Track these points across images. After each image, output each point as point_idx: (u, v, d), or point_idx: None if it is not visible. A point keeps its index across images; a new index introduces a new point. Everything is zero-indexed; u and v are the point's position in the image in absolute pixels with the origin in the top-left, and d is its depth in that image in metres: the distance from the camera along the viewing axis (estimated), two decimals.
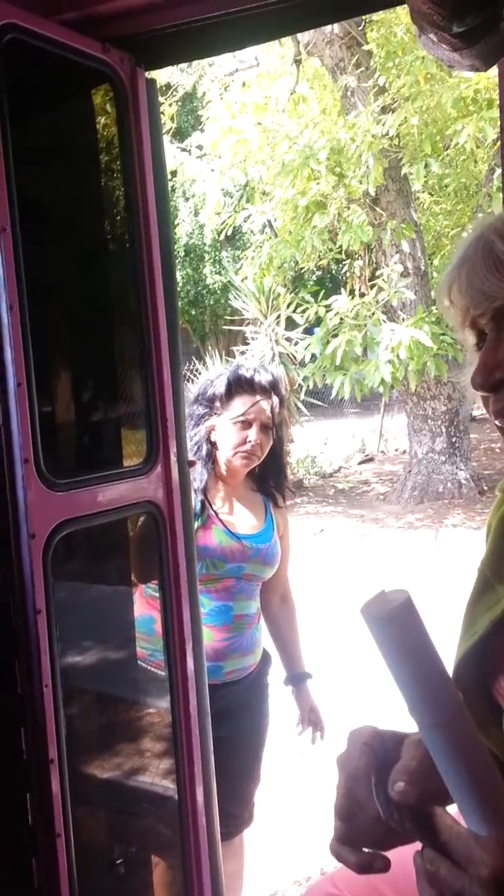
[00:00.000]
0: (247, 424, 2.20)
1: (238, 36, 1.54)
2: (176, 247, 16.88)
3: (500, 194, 7.71)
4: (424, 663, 0.63)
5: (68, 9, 1.47)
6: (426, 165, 7.52)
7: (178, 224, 16.82)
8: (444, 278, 0.84)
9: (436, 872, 0.61)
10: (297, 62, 8.01)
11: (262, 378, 2.25)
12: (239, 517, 2.24)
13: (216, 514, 2.18)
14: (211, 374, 2.37)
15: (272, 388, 2.26)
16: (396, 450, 13.04)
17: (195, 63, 10.68)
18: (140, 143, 1.56)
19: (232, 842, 2.26)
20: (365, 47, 7.82)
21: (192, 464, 1.99)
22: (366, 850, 0.72)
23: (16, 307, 1.32)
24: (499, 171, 8.16)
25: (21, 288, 1.33)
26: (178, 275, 17.08)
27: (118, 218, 1.64)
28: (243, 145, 8.37)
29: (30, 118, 1.45)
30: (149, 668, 2.00)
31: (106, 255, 1.70)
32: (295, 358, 9.85)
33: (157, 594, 1.89)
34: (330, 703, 2.68)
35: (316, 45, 8.03)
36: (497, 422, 0.81)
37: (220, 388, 2.25)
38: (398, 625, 0.63)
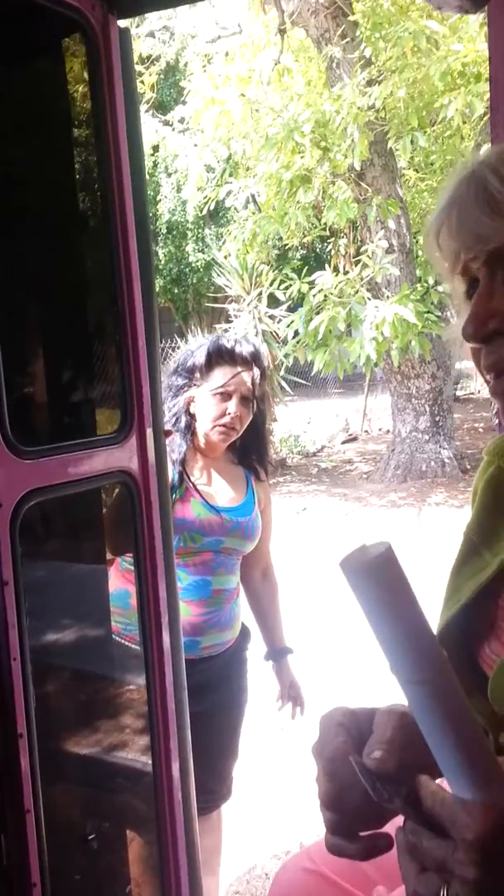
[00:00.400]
0: (226, 396, 2.15)
1: None
2: (158, 224, 16.71)
3: None
4: (407, 616, 0.60)
5: None
6: (412, 140, 7.43)
7: (159, 201, 16.64)
8: (432, 221, 0.78)
9: (417, 843, 0.58)
10: (282, 32, 7.87)
11: (244, 349, 2.19)
12: (218, 490, 2.20)
13: (194, 486, 2.14)
14: (191, 344, 2.31)
15: (253, 359, 2.20)
16: (380, 429, 13.04)
17: (177, 33, 10.50)
18: (112, 97, 1.49)
19: (210, 816, 2.24)
20: (351, 18, 7.69)
21: (168, 433, 1.93)
22: (363, 833, 0.68)
23: None
24: (485, 146, 8.07)
25: None
26: (161, 253, 16.92)
27: (90, 180, 1.57)
28: (226, 117, 8.24)
29: None
30: (124, 642, 1.96)
31: (77, 214, 1.63)
32: (278, 335, 9.79)
33: (133, 567, 1.85)
34: (310, 679, 2.66)
35: (301, 14, 7.90)
36: (488, 377, 0.76)
37: (199, 358, 2.19)
38: (378, 576, 0.59)
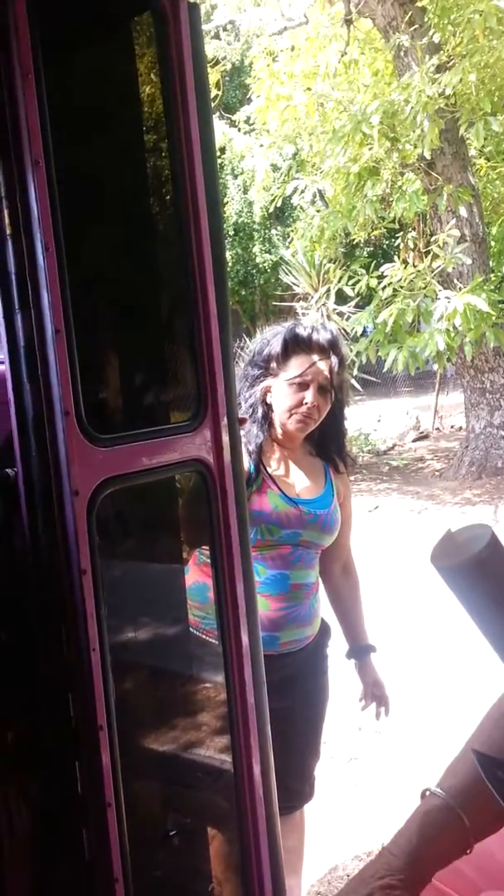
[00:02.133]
0: (304, 386, 2.09)
1: None
2: (225, 226, 16.74)
3: None
4: None
5: None
6: (486, 125, 7.22)
7: (226, 203, 16.70)
8: None
9: None
10: (348, 22, 7.77)
11: (321, 337, 2.13)
12: (296, 481, 2.14)
13: (271, 477, 2.08)
14: (267, 333, 2.25)
15: (331, 347, 2.13)
16: (452, 426, 12.77)
17: (242, 31, 10.49)
18: (182, 72, 1.45)
19: (292, 816, 2.18)
20: (419, 4, 7.54)
21: (242, 421, 1.89)
22: None
23: (52, 247, 1.23)
24: None
25: (57, 227, 1.24)
26: (228, 255, 16.96)
27: (160, 156, 1.54)
28: (292, 112, 8.17)
29: (61, 46, 1.36)
30: (202, 636, 1.93)
31: (148, 197, 1.60)
32: (347, 333, 9.68)
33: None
34: (393, 678, 2.58)
35: (367, 3, 7.78)
36: None
37: (276, 347, 2.14)
38: (486, 571, 0.51)
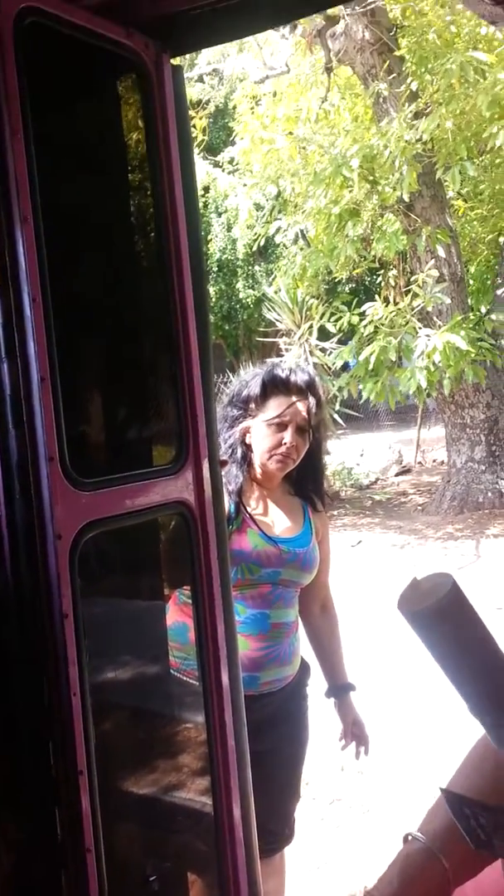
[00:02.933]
0: (282, 426, 2.13)
1: (264, 16, 1.49)
2: (209, 262, 16.93)
3: None
4: (483, 657, 0.55)
5: None
6: (461, 170, 7.41)
7: (210, 240, 16.90)
8: None
9: None
10: (328, 70, 7.97)
11: (299, 378, 2.18)
12: (275, 520, 2.17)
13: (251, 516, 2.11)
14: (246, 375, 2.30)
15: (309, 388, 2.18)
16: (434, 461, 12.86)
17: (225, 76, 10.73)
18: (166, 133, 1.51)
19: (272, 859, 2.17)
20: (397, 53, 7.76)
21: (223, 463, 1.92)
22: None
23: (38, 299, 1.27)
24: None
25: (44, 280, 1.28)
26: (211, 290, 17.13)
27: (143, 208, 1.59)
28: (275, 155, 8.35)
29: (50, 106, 1.41)
30: (182, 677, 1.93)
31: (132, 246, 1.65)
32: (329, 368, 9.77)
33: (191, 601, 1.82)
34: (373, 717, 2.59)
35: (347, 52, 8.00)
36: None
37: (254, 388, 2.18)
38: (447, 618, 0.55)
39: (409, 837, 0.90)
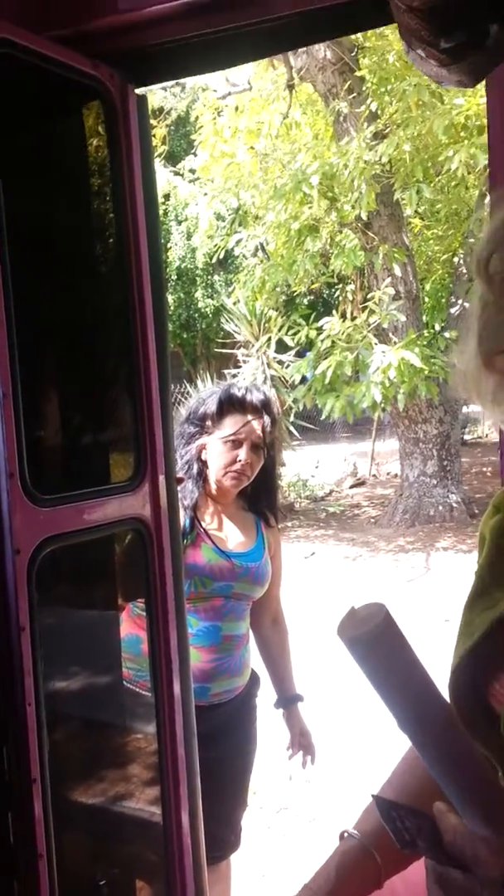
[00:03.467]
0: (237, 444, 2.19)
1: (228, 54, 1.55)
2: (168, 270, 16.93)
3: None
4: (409, 679, 0.62)
5: (59, 25, 1.48)
6: (418, 191, 7.58)
7: (170, 248, 16.90)
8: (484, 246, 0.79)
9: (444, 874, 0.62)
10: (290, 87, 8.09)
11: (254, 397, 2.24)
12: (229, 535, 2.22)
13: (205, 531, 2.16)
14: (203, 393, 2.36)
15: (264, 407, 2.25)
16: (388, 473, 13.04)
17: (188, 87, 10.80)
18: (130, 161, 1.56)
19: (218, 866, 2.22)
20: (357, 73, 7.91)
21: (180, 480, 1.97)
22: None
23: (1, 319, 1.31)
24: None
25: (8, 302, 1.32)
26: (170, 298, 17.13)
27: (108, 236, 1.64)
28: (236, 169, 8.44)
29: (18, 134, 1.45)
30: (135, 688, 1.97)
31: (95, 270, 1.69)
32: (286, 381, 9.88)
33: (145, 613, 1.86)
34: (320, 727, 2.65)
35: (309, 70, 8.12)
36: None
37: (211, 406, 2.24)
38: (378, 645, 0.61)
39: (346, 835, 0.97)
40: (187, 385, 10.95)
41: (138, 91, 1.58)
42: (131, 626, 2.04)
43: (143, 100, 1.60)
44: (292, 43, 1.67)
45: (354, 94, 8.10)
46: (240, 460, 2.18)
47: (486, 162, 7.29)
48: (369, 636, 0.61)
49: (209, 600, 2.14)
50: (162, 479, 1.67)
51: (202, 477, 2.21)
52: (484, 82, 1.34)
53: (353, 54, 8.06)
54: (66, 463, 1.65)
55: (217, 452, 2.20)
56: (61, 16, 1.49)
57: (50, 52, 1.41)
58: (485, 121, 7.27)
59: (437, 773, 0.63)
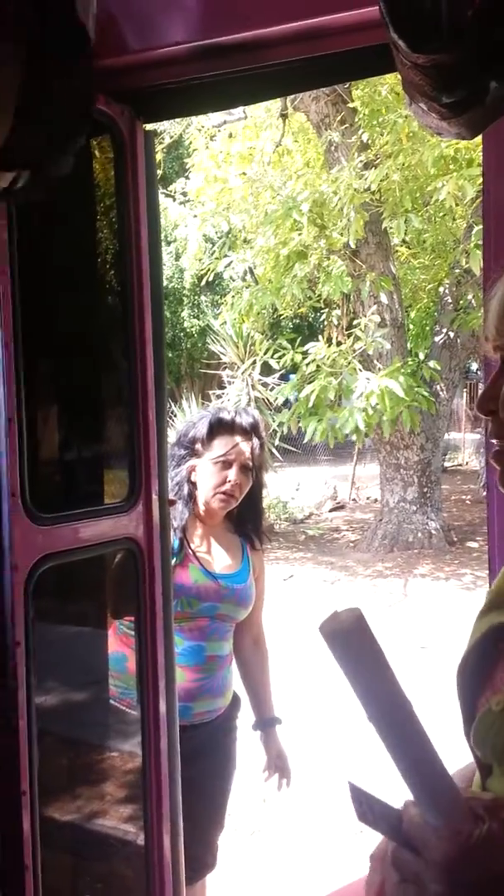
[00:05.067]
0: (227, 465, 2.24)
1: (233, 95, 1.61)
2: None
3: (479, 251, 7.92)
4: (377, 673, 0.70)
5: None
6: (406, 220, 7.72)
7: None
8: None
9: (400, 857, 0.70)
10: (284, 116, 8.23)
11: (244, 420, 2.30)
12: (216, 557, 2.27)
13: (194, 552, 2.21)
14: (193, 416, 2.42)
15: (253, 430, 2.31)
16: (368, 498, 13.11)
17: None
18: (136, 192, 1.62)
19: (193, 886, 2.23)
20: (350, 105, 8.06)
21: (172, 503, 2.01)
22: None
23: (10, 345, 1.36)
24: (476, 228, 8.39)
25: (16, 328, 1.36)
26: None
27: (112, 264, 1.69)
28: (227, 194, 8.54)
29: None
30: (119, 706, 2.00)
31: (98, 299, 1.74)
32: (270, 403, 9.95)
33: (131, 632, 1.90)
34: (297, 750, 2.68)
35: (302, 100, 8.26)
36: (493, 441, 0.90)
37: (201, 429, 2.29)
38: (352, 639, 0.70)
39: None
40: (171, 404, 10.99)
41: (146, 127, 1.64)
42: (117, 643, 2.07)
43: (149, 135, 1.66)
44: (296, 87, 1.75)
45: (346, 125, 8.25)
46: (229, 481, 2.23)
47: (473, 194, 7.43)
48: (345, 631, 0.69)
49: (195, 620, 2.18)
50: (155, 500, 1.71)
51: (192, 499, 2.26)
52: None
53: (346, 86, 8.22)
54: (65, 483, 1.69)
55: (207, 474, 2.24)
56: None
57: None
58: (473, 154, 7.45)
59: (397, 765, 0.70)
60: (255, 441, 2.30)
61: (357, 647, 0.70)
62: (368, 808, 0.73)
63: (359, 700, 0.71)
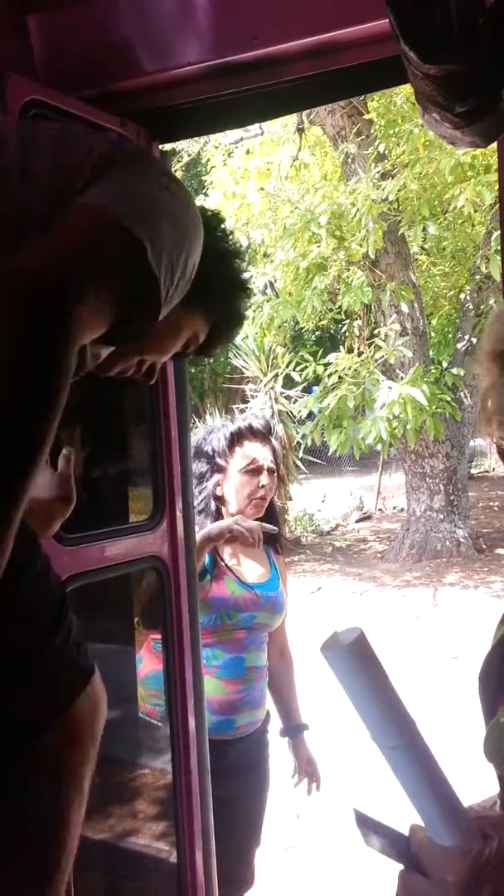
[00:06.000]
0: (257, 471, 2.26)
1: (247, 113, 1.63)
2: None
3: (498, 257, 7.89)
4: (379, 692, 0.69)
5: (88, 86, 1.56)
6: (424, 228, 7.71)
7: None
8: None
9: (410, 882, 0.70)
10: (300, 130, 8.27)
11: (258, 424, 2.34)
12: (247, 567, 2.27)
13: (226, 565, 2.21)
14: (201, 432, 2.43)
15: (268, 432, 2.35)
16: (394, 508, 13.04)
17: None
18: None
19: None
20: (366, 116, 8.09)
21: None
22: None
23: None
24: (496, 233, 8.35)
25: None
26: None
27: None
28: (246, 209, 8.59)
29: None
30: (158, 723, 1.99)
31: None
32: (294, 416, 9.95)
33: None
34: (326, 762, 2.66)
35: (318, 114, 8.30)
36: None
37: (219, 442, 2.30)
38: (353, 659, 0.69)
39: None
40: (195, 420, 11.03)
41: (163, 147, 1.66)
42: (155, 662, 2.06)
43: (165, 155, 1.67)
44: (310, 103, 1.76)
45: (363, 137, 8.28)
46: (262, 486, 2.25)
47: (492, 200, 7.40)
48: (344, 653, 0.68)
49: (233, 632, 2.18)
50: (179, 517, 1.72)
51: (218, 513, 2.26)
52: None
53: (361, 98, 8.25)
54: (89, 503, 1.69)
55: (238, 484, 2.25)
56: (89, 77, 1.57)
57: (80, 111, 1.49)
58: (490, 160, 7.43)
59: (403, 786, 0.69)
60: (274, 442, 2.34)
61: (357, 667, 0.69)
62: (374, 834, 0.73)
63: (361, 719, 0.70)
